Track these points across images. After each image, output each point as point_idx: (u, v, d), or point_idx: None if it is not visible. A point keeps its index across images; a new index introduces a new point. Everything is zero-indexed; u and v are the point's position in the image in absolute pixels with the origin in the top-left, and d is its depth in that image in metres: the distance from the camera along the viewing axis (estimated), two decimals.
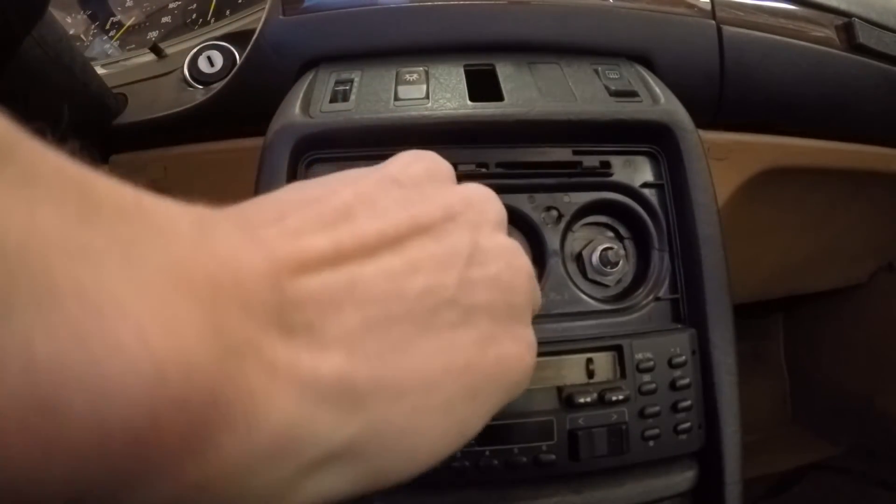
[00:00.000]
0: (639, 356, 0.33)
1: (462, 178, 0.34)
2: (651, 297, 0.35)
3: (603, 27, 0.43)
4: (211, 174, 0.44)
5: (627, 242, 0.37)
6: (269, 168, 0.33)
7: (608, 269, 0.35)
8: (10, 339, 0.08)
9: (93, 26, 0.53)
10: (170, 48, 0.46)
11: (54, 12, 0.35)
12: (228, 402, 0.10)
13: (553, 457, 0.31)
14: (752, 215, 0.56)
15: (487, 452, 0.31)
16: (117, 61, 0.49)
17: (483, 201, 0.18)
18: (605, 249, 0.35)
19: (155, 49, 0.45)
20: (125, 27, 0.52)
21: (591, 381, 0.32)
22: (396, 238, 0.15)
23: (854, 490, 0.80)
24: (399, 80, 0.38)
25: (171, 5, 0.52)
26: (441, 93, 0.37)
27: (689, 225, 0.36)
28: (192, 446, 0.10)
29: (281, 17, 0.41)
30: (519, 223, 0.36)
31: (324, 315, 0.13)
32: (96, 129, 0.42)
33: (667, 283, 0.36)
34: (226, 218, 0.13)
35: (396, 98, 0.36)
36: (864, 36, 0.48)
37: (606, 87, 0.38)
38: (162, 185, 0.44)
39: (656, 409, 0.33)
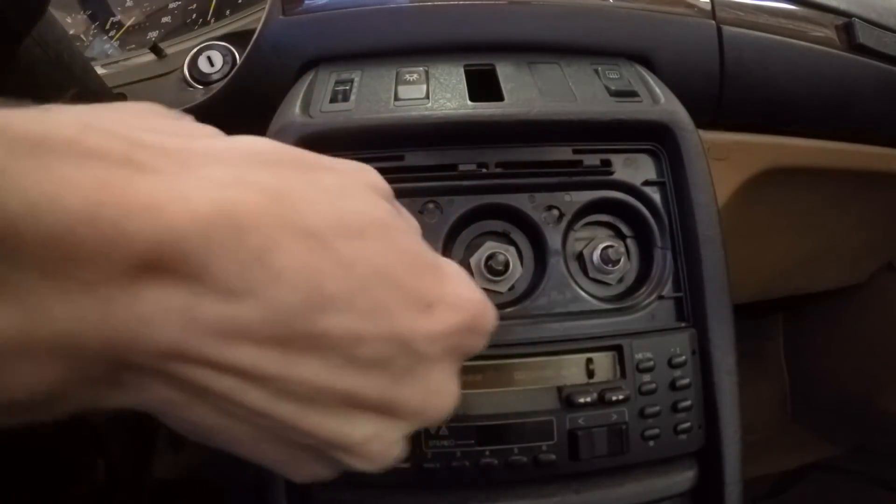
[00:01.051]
0: (639, 356, 0.33)
1: (464, 177, 0.34)
2: (654, 296, 0.35)
3: (603, 27, 0.43)
4: None
5: (630, 241, 0.37)
6: None
7: (609, 268, 0.35)
8: None
9: (93, 26, 0.53)
10: (170, 48, 0.46)
11: (54, 12, 0.35)
12: None
13: (553, 457, 0.31)
14: (752, 215, 0.56)
15: (487, 452, 0.31)
16: (117, 61, 0.49)
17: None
18: (606, 248, 0.35)
19: (155, 49, 0.45)
20: (125, 27, 0.52)
21: (591, 381, 0.32)
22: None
23: (854, 490, 0.80)
24: (399, 80, 0.38)
25: (171, 5, 0.52)
26: (441, 93, 0.37)
27: (690, 224, 0.36)
28: None
29: (281, 16, 0.41)
30: (520, 223, 0.36)
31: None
32: None
33: (670, 281, 0.36)
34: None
35: (396, 98, 0.36)
36: (864, 36, 0.48)
37: (606, 87, 0.38)
38: None
39: (656, 409, 0.33)
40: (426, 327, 0.16)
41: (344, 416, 0.16)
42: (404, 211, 0.20)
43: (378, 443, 0.17)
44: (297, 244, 0.14)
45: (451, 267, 0.19)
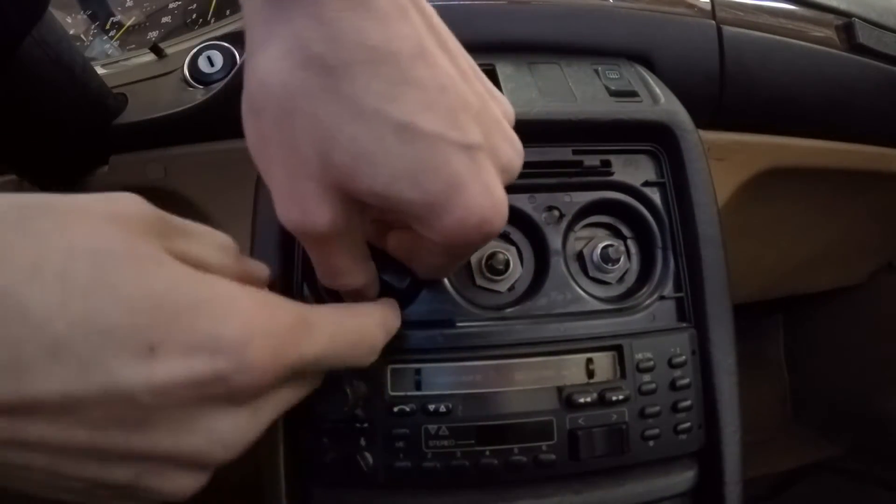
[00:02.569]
0: (639, 356, 0.33)
1: None
2: (655, 297, 0.35)
3: (603, 27, 0.43)
4: (211, 174, 0.44)
5: (630, 242, 0.37)
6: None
7: (609, 266, 0.35)
8: None
9: (93, 26, 0.53)
10: (170, 48, 0.46)
11: (54, 12, 0.35)
12: None
13: (553, 457, 0.31)
14: (752, 215, 0.56)
15: (487, 452, 0.31)
16: (117, 61, 0.49)
17: None
18: (606, 247, 0.35)
19: (155, 49, 0.45)
20: (125, 27, 0.52)
21: (591, 381, 0.32)
22: None
23: (854, 490, 0.80)
24: None
25: (171, 5, 0.52)
26: None
27: (690, 225, 0.36)
28: None
29: None
30: (520, 223, 0.36)
31: None
32: (96, 129, 0.42)
33: (670, 281, 0.36)
34: None
35: None
36: (864, 36, 0.48)
37: (606, 87, 0.38)
38: (162, 184, 0.44)
39: (656, 409, 0.33)
40: (143, 378, 0.14)
41: (99, 465, 0.15)
42: (194, 231, 0.19)
43: (158, 481, 0.16)
44: None
45: (219, 304, 0.16)
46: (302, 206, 0.19)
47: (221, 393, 0.16)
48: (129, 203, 0.17)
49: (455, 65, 0.20)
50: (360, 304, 0.24)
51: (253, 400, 0.17)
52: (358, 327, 0.22)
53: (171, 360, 0.14)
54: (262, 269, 0.24)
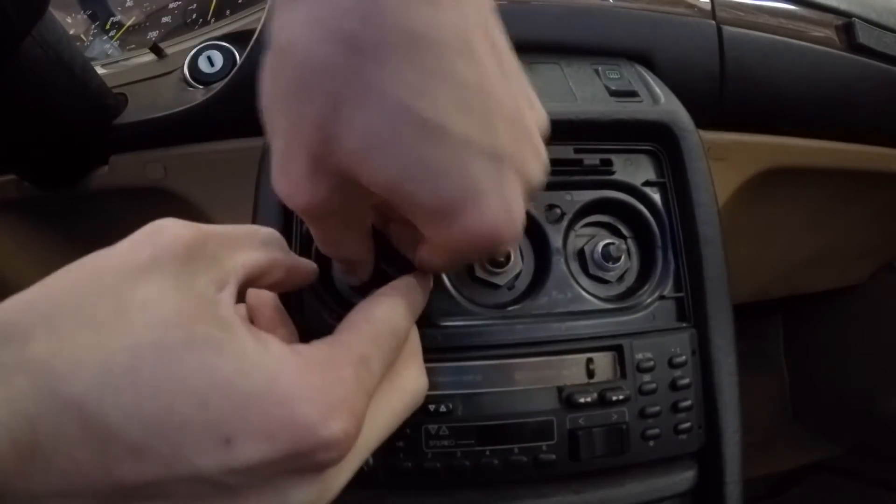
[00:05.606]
0: (639, 356, 0.33)
1: None
2: (656, 296, 0.35)
3: (603, 27, 0.43)
4: (211, 174, 0.44)
5: (630, 241, 0.37)
6: (270, 168, 0.33)
7: (610, 265, 0.35)
8: None
9: (93, 26, 0.53)
10: (170, 48, 0.46)
11: (54, 12, 0.35)
12: None
13: (553, 457, 0.31)
14: (752, 215, 0.56)
15: (487, 452, 0.31)
16: (117, 61, 0.49)
17: None
18: (607, 245, 0.35)
19: (155, 49, 0.45)
20: (125, 27, 0.52)
21: (592, 380, 0.32)
22: None
23: (854, 490, 0.80)
24: None
25: (171, 5, 0.52)
26: None
27: (690, 224, 0.36)
28: None
29: None
30: None
31: None
32: (96, 129, 0.42)
33: (671, 281, 0.36)
34: None
35: None
36: (864, 36, 0.48)
37: (606, 87, 0.38)
38: (162, 185, 0.44)
39: (656, 409, 0.33)
40: (224, 466, 0.15)
41: None
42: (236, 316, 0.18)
43: None
44: (64, 416, 0.14)
45: (287, 386, 0.16)
46: (293, 181, 0.19)
47: (307, 466, 0.17)
48: (168, 235, 0.17)
49: (499, 64, 0.18)
50: (382, 298, 0.22)
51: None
52: (392, 327, 0.21)
53: (248, 447, 0.15)
54: (309, 263, 0.25)
